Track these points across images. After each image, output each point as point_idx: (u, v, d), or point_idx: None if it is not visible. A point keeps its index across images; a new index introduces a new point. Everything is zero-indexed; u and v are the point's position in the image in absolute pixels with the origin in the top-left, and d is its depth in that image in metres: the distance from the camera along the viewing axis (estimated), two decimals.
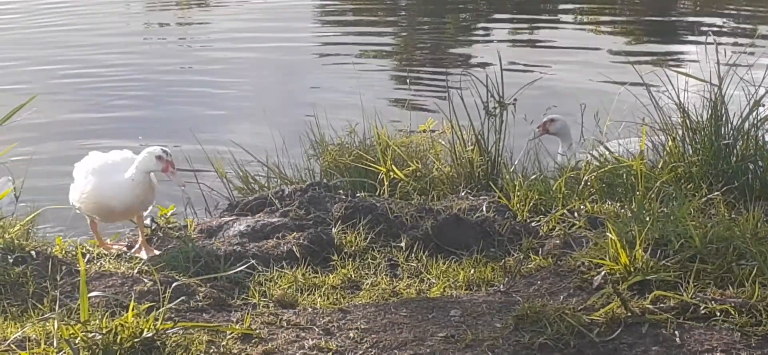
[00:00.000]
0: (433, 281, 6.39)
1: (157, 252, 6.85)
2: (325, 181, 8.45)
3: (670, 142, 7.86)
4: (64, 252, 6.79)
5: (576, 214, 7.15)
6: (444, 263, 6.62)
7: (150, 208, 7.12)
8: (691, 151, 7.71)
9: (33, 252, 6.39)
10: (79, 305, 5.19)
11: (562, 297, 5.76)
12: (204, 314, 5.72)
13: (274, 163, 9.50)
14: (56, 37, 18.91)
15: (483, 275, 6.42)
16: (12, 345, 5.07)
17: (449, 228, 7.03)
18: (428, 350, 5.21)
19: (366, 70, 16.37)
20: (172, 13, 22.63)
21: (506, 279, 6.34)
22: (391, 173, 8.42)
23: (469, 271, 6.48)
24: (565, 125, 10.22)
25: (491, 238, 7.01)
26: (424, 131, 9.58)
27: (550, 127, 10.21)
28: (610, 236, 5.97)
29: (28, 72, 16.10)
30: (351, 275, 6.48)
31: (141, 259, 6.68)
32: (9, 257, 6.26)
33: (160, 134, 11.81)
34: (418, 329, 5.46)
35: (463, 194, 7.96)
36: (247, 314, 5.61)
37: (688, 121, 7.77)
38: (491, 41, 18.06)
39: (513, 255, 6.71)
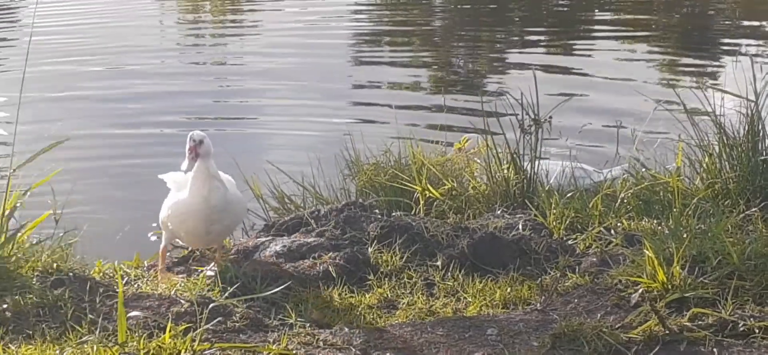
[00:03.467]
0: (470, 299, 6.38)
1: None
2: (360, 200, 8.45)
3: (706, 159, 7.82)
4: (102, 274, 6.83)
5: (612, 231, 7.12)
6: (480, 282, 6.61)
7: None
8: (728, 168, 7.66)
9: (71, 275, 6.43)
10: (117, 326, 5.22)
11: (599, 315, 5.74)
12: (241, 335, 5.73)
13: (310, 183, 9.51)
14: (90, 59, 19.02)
15: (519, 294, 6.42)
16: None
17: (485, 246, 7.02)
18: None
19: (401, 89, 16.39)
20: (206, 34, 22.74)
21: (543, 297, 6.33)
22: (427, 192, 8.42)
23: (506, 289, 6.47)
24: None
25: (527, 256, 6.99)
26: (459, 150, 9.58)
27: None
28: (647, 253, 5.94)
29: (64, 100, 16.19)
30: (387, 295, 6.48)
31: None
32: (48, 279, 6.30)
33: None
34: (455, 348, 5.45)
35: (498, 212, 7.94)
36: (284, 334, 5.62)
37: (724, 137, 7.73)
38: (526, 59, 18.02)
39: (550, 273, 6.70)
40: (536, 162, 8.37)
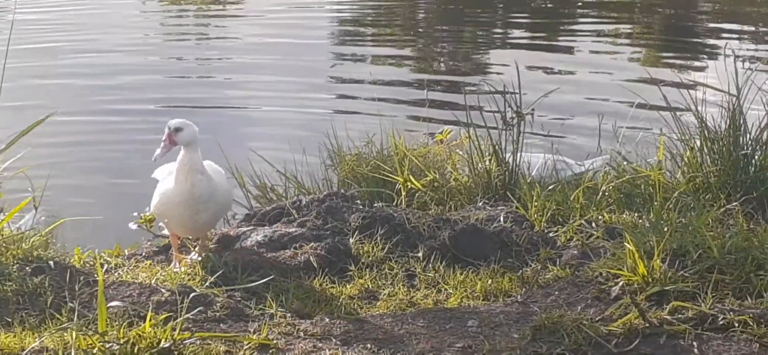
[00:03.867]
0: (451, 291, 6.38)
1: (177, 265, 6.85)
2: (342, 191, 8.45)
3: (688, 153, 7.84)
4: (82, 262, 6.81)
5: (594, 224, 7.14)
6: (461, 274, 6.62)
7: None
8: (709, 162, 7.69)
9: (51, 262, 6.40)
10: (96, 315, 5.21)
11: (579, 308, 5.75)
12: (221, 325, 5.72)
13: (292, 173, 9.50)
14: (72, 50, 18.94)
15: (500, 286, 6.42)
16: None
17: (467, 238, 7.03)
18: None
19: (383, 80, 16.38)
20: (189, 25, 22.69)
21: (524, 290, 6.34)
22: (409, 183, 8.42)
23: (487, 281, 6.47)
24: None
25: (509, 248, 7.00)
26: (441, 141, 9.58)
27: None
28: (627, 246, 5.96)
29: (45, 86, 16.14)
30: (368, 286, 6.48)
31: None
32: (27, 267, 6.28)
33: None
34: (436, 339, 5.46)
35: (480, 204, 7.95)
36: (265, 324, 5.61)
37: (706, 131, 7.76)
38: (509, 52, 18.04)
39: (530, 265, 6.71)
40: (518, 154, 8.38)
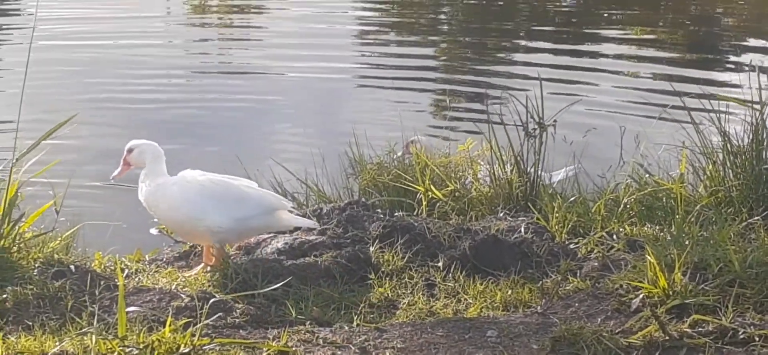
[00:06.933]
0: (470, 301, 6.38)
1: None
2: (363, 199, 8.45)
3: (710, 166, 7.81)
4: (103, 267, 6.83)
5: (615, 236, 7.12)
6: (481, 284, 6.61)
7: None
8: (731, 176, 7.66)
9: (72, 266, 6.44)
10: (117, 319, 5.23)
11: (599, 320, 5.74)
12: (241, 331, 5.74)
13: (313, 181, 9.50)
14: (95, 56, 18.97)
15: (520, 296, 6.42)
16: None
17: (487, 249, 7.02)
18: None
19: (405, 89, 16.39)
20: (212, 33, 22.68)
21: (544, 301, 6.33)
22: (430, 193, 8.41)
23: (507, 292, 6.47)
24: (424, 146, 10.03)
25: (529, 259, 6.99)
26: (463, 151, 9.56)
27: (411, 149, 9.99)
28: (649, 259, 5.94)
29: (67, 91, 16.14)
30: (388, 294, 6.48)
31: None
32: (49, 271, 6.31)
33: (200, 154, 11.89)
34: (455, 349, 5.45)
35: (501, 214, 7.94)
36: (284, 331, 5.62)
37: (729, 145, 7.72)
38: (532, 62, 17.95)
39: (551, 277, 6.69)
40: (540, 166, 8.36)
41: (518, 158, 8.35)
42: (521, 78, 16.58)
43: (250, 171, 9.22)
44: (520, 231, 7.38)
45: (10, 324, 5.75)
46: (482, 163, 8.98)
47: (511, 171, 8.39)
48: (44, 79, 15.70)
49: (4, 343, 5.34)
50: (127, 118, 14.57)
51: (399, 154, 9.85)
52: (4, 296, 5.97)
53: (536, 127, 8.43)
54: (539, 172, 8.38)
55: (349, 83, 17.23)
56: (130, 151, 7.05)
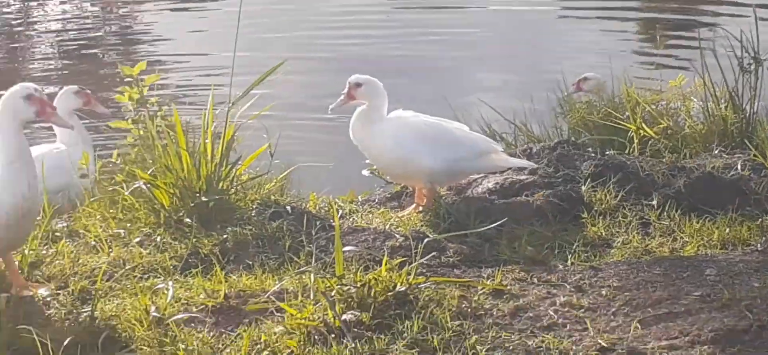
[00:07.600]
0: (687, 239, 6.26)
1: None
2: (573, 139, 8.37)
3: None
4: (317, 208, 6.96)
5: None
6: (698, 222, 6.47)
7: None
8: None
9: (288, 208, 6.57)
10: (333, 259, 5.32)
11: None
12: (455, 270, 5.77)
13: (521, 121, 9.45)
14: (304, 6, 19.22)
15: (739, 235, 6.27)
16: (271, 297, 5.24)
17: (702, 187, 6.88)
18: (683, 309, 5.12)
19: (610, 18, 16.09)
20: None
21: (764, 239, 6.17)
22: (641, 131, 8.28)
23: (724, 230, 6.32)
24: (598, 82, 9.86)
25: (747, 197, 6.82)
26: (675, 88, 9.35)
27: (584, 86, 9.88)
28: None
29: (277, 38, 16.46)
30: (602, 233, 6.40)
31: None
32: (266, 212, 6.46)
33: (406, 92, 11.95)
34: (673, 287, 5.37)
35: (716, 152, 7.75)
36: (498, 270, 5.63)
37: None
38: None
39: None
40: (756, 101, 8.11)
41: (733, 94, 8.12)
42: (734, 11, 16.04)
43: (457, 110, 9.23)
44: (737, 168, 7.20)
45: (232, 263, 5.92)
46: (695, 100, 8.78)
47: (726, 108, 8.17)
48: (256, 23, 16.00)
49: (226, 281, 5.50)
50: (334, 66, 14.74)
51: (570, 91, 9.78)
52: (225, 236, 6.15)
53: (752, 61, 8.18)
54: (755, 108, 8.14)
55: (553, 24, 17.04)
56: (358, 85, 6.95)
